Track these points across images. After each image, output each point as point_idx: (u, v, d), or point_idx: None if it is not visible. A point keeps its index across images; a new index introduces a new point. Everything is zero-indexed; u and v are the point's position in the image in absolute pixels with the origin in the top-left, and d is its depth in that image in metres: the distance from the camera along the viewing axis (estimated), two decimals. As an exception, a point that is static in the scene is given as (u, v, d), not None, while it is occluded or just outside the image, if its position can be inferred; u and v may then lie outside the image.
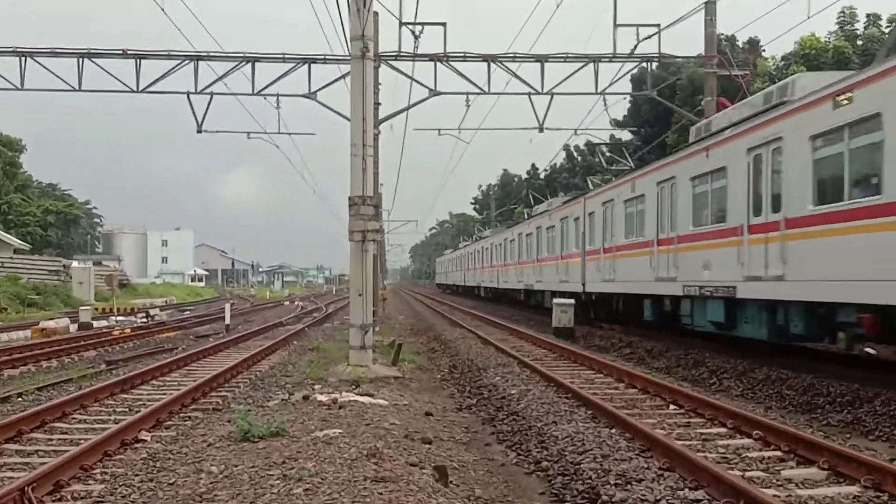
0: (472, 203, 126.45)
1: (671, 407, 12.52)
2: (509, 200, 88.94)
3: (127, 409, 12.68)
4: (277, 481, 7.44)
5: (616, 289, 24.30)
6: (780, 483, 8.32)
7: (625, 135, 55.74)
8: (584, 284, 27.84)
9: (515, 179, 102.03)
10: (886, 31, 35.97)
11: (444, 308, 50.97)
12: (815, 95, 13.55)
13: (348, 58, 17.10)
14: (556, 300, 26.65)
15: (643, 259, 21.44)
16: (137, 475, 8.36)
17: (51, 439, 10.57)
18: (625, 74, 27.21)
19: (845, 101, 12.55)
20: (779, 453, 9.44)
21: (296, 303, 60.26)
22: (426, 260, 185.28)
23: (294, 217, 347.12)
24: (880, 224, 11.64)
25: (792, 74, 33.57)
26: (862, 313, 12.48)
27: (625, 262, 23.35)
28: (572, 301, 26.26)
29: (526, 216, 45.77)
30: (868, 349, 15.92)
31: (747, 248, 15.59)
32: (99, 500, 7.76)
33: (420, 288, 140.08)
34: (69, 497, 8.00)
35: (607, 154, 36.13)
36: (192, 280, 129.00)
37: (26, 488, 7.58)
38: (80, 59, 26.10)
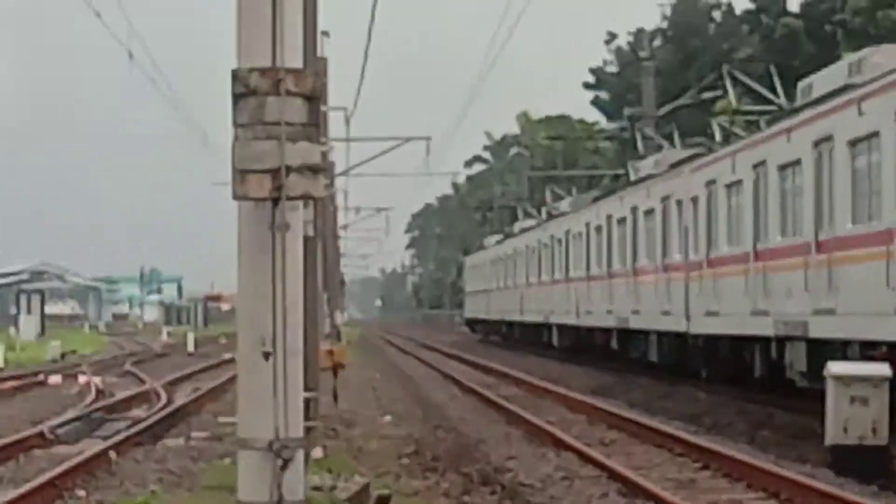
0: (588, 86, 76.82)
1: None
2: (696, 73, 53.97)
3: None
4: None
5: (718, 327, 25.45)
6: None
7: None
8: (688, 318, 27.30)
9: (716, 12, 63.65)
10: None
11: (504, 384, 35.43)
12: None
13: None
14: (833, 368, 17.28)
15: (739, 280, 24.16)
16: None
17: None
18: None
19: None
20: None
21: (83, 378, 35.69)
22: (456, 251, 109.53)
23: (75, 138, 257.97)
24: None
25: None
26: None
27: (728, 283, 25.09)
28: (886, 370, 17.18)
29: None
30: None
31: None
32: None
33: (439, 331, 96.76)
34: None
35: None
36: None
37: None
38: None
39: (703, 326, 26.54)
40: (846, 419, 16.35)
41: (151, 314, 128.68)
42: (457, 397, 32.00)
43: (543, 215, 57.31)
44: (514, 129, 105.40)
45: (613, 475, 15.87)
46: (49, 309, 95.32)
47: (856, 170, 19.00)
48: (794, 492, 14.10)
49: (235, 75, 8.60)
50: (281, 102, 8.55)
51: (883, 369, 16.83)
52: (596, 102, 77.61)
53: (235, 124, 8.65)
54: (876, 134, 17.96)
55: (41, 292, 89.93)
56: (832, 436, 16.56)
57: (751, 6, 58.24)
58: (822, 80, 22.26)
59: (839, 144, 19.51)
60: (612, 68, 76.15)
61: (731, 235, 25.21)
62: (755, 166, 23.73)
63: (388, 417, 26.26)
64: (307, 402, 11.44)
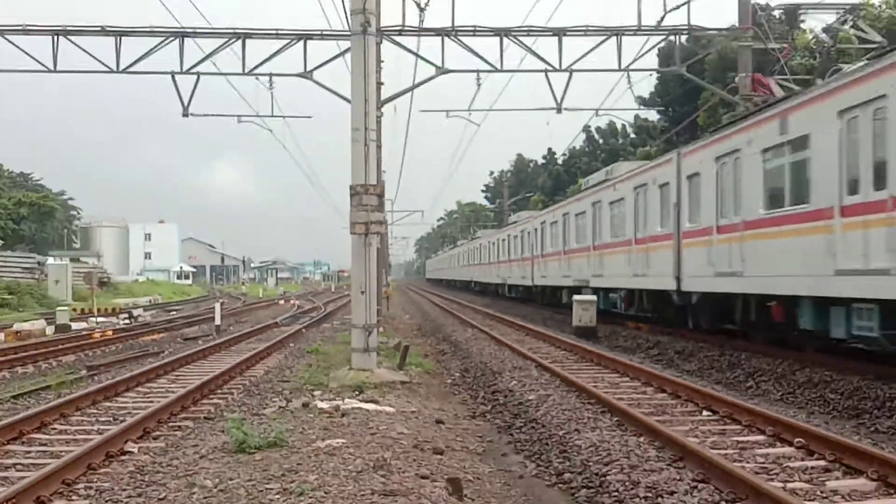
0: (483, 191, 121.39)
1: (704, 413, 12.67)
2: (524, 188, 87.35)
3: (111, 419, 12.85)
4: (277, 496, 7.53)
5: None
6: (825, 495, 8.38)
7: (651, 115, 55.62)
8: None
9: (531, 165, 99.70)
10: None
11: (454, 306, 50.59)
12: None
13: (347, 33, 17.21)
14: (576, 297, 26.67)
15: None
16: (125, 490, 8.46)
17: (29, 452, 10.69)
18: (650, 49, 27.06)
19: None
20: (823, 463, 9.49)
21: (291, 301, 60.24)
22: (433, 254, 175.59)
23: (289, 208, 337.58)
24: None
25: (835, 49, 32.19)
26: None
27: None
28: (594, 298, 26.25)
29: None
30: None
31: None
32: (84, 516, 7.58)
33: (428, 284, 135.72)
34: (52, 514, 7.84)
35: (631, 135, 35.61)
36: (178, 277, 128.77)
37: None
38: (55, 37, 26.19)
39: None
40: (580, 315, 26.21)
41: (317, 278, 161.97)
42: (437, 309, 49.09)
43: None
44: (455, 206, 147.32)
45: (492, 338, 23.71)
46: (279, 276, 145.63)
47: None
48: (560, 343, 23.03)
49: (351, 187, 16.23)
50: (367, 197, 16.00)
51: (591, 298, 25.97)
52: (487, 198, 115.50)
53: (351, 205, 16.08)
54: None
55: (276, 269, 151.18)
56: (574, 323, 26.27)
57: (542, 161, 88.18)
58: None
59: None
60: (492, 185, 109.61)
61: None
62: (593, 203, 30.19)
63: (406, 316, 41.21)
64: (378, 310, 19.43)
